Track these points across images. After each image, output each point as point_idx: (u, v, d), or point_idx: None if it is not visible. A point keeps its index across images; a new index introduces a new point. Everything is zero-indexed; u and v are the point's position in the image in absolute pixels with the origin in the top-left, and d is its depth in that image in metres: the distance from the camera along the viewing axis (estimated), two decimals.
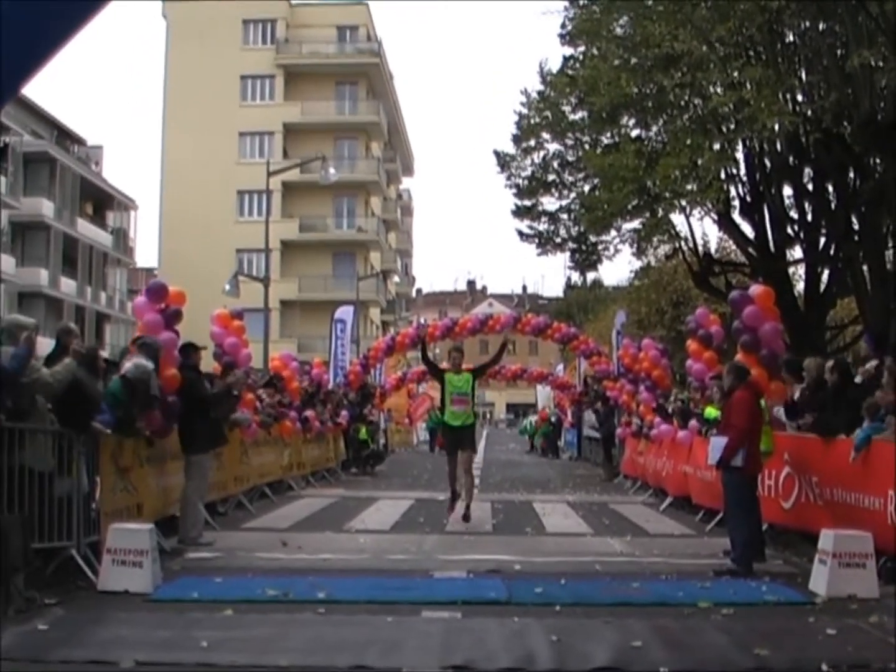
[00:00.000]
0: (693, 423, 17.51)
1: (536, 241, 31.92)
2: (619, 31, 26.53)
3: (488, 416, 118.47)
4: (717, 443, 11.48)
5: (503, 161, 31.39)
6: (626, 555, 12.45)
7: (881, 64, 20.24)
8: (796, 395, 13.50)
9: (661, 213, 26.20)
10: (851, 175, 24.89)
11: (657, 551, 12.56)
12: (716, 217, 28.82)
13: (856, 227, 25.06)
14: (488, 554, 11.75)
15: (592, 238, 30.97)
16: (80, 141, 65.53)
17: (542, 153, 30.79)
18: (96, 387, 10.45)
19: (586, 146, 29.08)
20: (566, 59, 29.85)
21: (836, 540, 9.55)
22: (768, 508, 12.36)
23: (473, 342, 53.89)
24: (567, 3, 28.16)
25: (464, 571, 10.47)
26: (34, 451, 9.06)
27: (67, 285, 58.02)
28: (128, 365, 11.49)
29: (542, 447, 47.27)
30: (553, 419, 46.93)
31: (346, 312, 35.09)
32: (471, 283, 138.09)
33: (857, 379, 12.50)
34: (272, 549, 12.21)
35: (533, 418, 54.07)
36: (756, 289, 15.09)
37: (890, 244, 25.50)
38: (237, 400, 15.48)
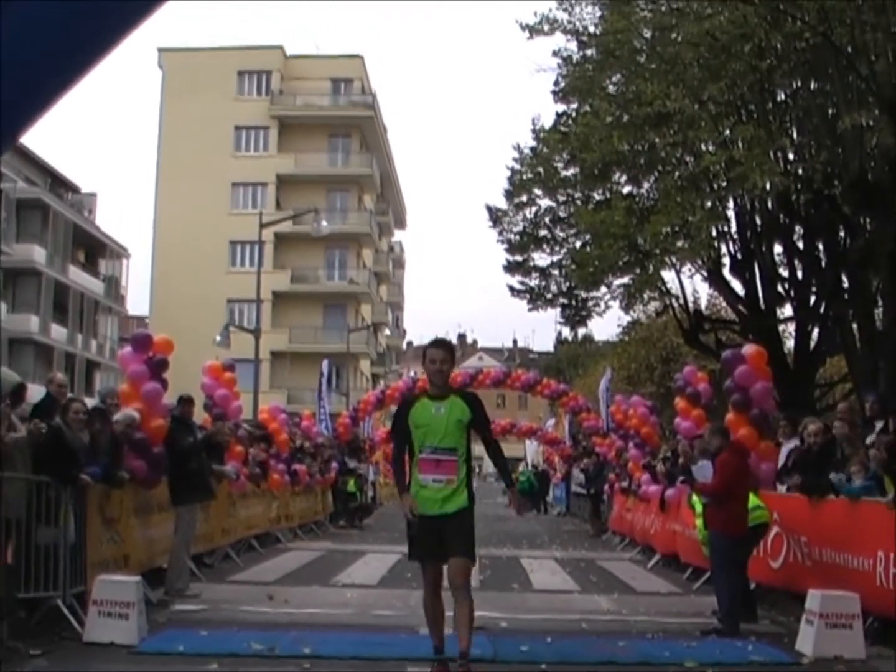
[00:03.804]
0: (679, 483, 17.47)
1: (527, 296, 31.92)
2: (611, 88, 26.70)
3: (478, 469, 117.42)
4: (704, 469, 11.55)
5: (495, 216, 31.45)
6: (612, 613, 12.40)
7: (871, 124, 20.40)
8: (783, 456, 13.51)
9: (651, 269, 26.23)
10: (841, 234, 25.01)
11: (644, 609, 12.52)
12: (706, 274, 28.91)
13: (845, 285, 25.14)
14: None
15: (583, 294, 31.00)
16: (73, 188, 65.69)
17: (533, 209, 30.85)
18: (79, 437, 10.38)
19: (578, 202, 29.18)
20: (559, 115, 29.99)
21: (824, 600, 9.54)
22: (757, 568, 12.33)
23: None
24: (560, 61, 28.36)
25: (449, 628, 10.40)
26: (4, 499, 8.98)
27: (58, 332, 57.95)
28: (117, 415, 11.55)
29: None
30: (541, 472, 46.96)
31: (325, 366, 35.89)
32: (461, 337, 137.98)
33: (868, 440, 12.34)
34: (258, 603, 12.15)
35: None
36: (748, 349, 15.16)
37: (879, 303, 25.58)
38: (220, 452, 15.43)
